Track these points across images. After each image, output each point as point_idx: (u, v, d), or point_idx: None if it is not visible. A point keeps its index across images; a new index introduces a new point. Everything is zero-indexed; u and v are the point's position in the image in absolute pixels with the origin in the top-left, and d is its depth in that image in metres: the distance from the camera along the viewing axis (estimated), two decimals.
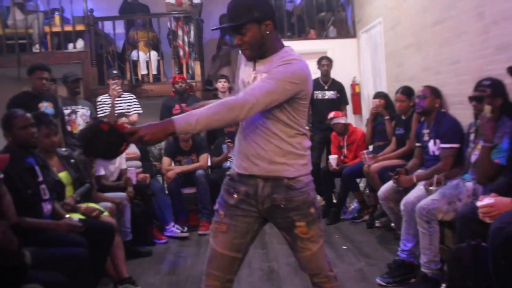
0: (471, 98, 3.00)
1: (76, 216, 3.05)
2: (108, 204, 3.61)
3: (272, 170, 1.86)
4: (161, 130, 1.65)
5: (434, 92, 3.60)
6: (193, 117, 1.67)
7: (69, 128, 4.78)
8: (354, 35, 6.58)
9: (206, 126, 1.74)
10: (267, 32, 1.85)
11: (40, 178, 2.85)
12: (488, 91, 2.83)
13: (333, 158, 4.99)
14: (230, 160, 4.98)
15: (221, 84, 5.72)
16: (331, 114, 5.15)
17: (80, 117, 4.91)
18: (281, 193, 1.85)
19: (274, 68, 1.80)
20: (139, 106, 5.42)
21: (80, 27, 6.37)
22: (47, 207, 2.86)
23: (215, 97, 5.65)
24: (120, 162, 4.44)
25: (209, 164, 5.31)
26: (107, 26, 6.79)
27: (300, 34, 6.63)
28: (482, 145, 2.76)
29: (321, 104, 5.52)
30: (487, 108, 2.71)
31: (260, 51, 1.87)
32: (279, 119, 1.84)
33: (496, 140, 2.71)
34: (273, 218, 1.93)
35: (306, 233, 1.88)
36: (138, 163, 4.84)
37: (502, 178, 2.59)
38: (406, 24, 4.79)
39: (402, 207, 3.26)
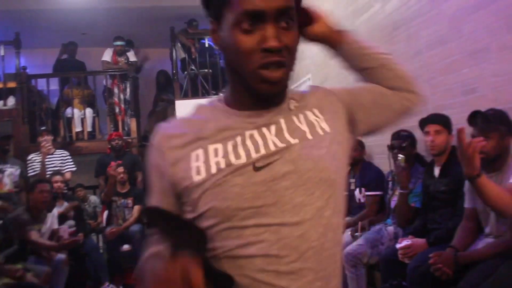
0: (390, 147, 3.29)
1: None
2: (44, 268, 3.49)
3: None
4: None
5: (360, 144, 3.88)
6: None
7: None
8: None
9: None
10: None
11: None
12: (406, 142, 3.13)
13: None
14: None
15: None
16: None
17: (7, 176, 4.74)
18: None
19: (323, 98, 0.97)
20: (72, 163, 5.34)
21: (11, 84, 6.28)
22: None
23: None
24: (52, 221, 4.31)
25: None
26: (41, 83, 6.73)
27: None
28: (399, 191, 3.02)
29: None
30: (402, 158, 2.98)
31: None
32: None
33: (411, 186, 2.98)
34: None
35: None
36: (72, 222, 4.72)
37: (418, 221, 2.84)
38: (333, 80, 5.15)
39: None
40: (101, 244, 5.00)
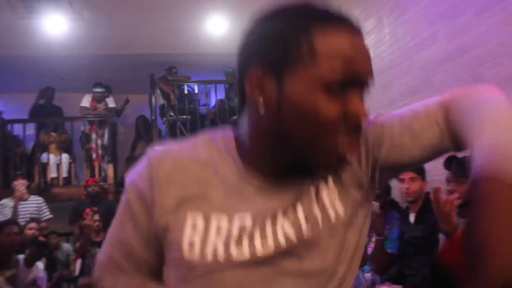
0: None
1: None
2: None
3: None
4: None
5: None
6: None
7: None
8: None
9: None
10: None
11: None
12: (380, 189, 3.18)
13: None
14: None
15: None
16: None
17: None
18: None
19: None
20: (48, 210, 5.22)
21: None
22: None
23: None
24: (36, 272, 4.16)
25: None
26: (17, 127, 6.66)
27: None
28: (375, 238, 3.04)
29: None
30: (376, 205, 3.02)
31: None
32: None
33: (387, 232, 3.00)
34: None
35: None
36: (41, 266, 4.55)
37: (394, 267, 2.85)
38: None
39: None
40: None
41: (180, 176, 0.73)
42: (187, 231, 0.70)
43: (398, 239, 2.95)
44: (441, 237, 2.46)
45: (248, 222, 0.70)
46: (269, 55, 0.65)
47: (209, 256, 0.69)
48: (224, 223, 0.70)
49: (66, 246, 5.29)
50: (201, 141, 0.78)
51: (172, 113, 6.79)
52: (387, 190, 3.25)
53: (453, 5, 2.89)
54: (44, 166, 6.31)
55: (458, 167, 2.35)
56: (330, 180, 0.74)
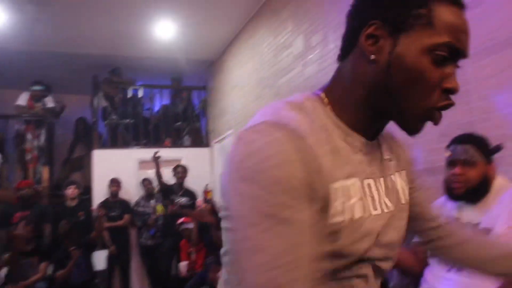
0: None
1: None
2: None
3: None
4: None
5: None
6: None
7: None
8: (207, 145, 7.01)
9: None
10: None
11: None
12: None
13: (183, 265, 5.00)
14: None
15: (70, 191, 5.48)
16: (181, 220, 5.24)
17: None
18: None
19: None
20: None
21: None
22: None
23: (63, 204, 5.38)
24: None
25: None
26: None
27: (156, 141, 6.84)
28: None
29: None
30: None
31: None
32: None
33: None
34: None
35: None
36: None
37: None
38: None
39: None
40: None
41: (322, 144, 0.71)
42: (353, 194, 0.73)
43: None
44: None
45: (372, 185, 0.78)
46: (391, 15, 0.73)
47: (373, 209, 0.76)
48: (372, 183, 0.78)
49: None
50: (298, 109, 0.74)
51: (114, 116, 6.63)
52: None
53: None
54: None
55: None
56: (404, 174, 0.90)
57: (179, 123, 7.08)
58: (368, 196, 0.76)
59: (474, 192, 1.83)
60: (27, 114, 6.26)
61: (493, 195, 1.81)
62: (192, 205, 5.80)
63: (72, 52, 6.18)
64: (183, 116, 7.10)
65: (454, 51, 0.72)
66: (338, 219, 0.70)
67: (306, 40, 4.15)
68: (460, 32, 0.72)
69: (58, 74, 6.73)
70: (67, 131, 7.24)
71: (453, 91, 0.73)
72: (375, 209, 0.77)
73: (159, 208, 5.77)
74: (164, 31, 5.71)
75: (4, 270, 4.43)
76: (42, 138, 6.19)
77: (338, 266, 0.73)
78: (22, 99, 6.39)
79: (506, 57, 2.18)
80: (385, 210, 0.80)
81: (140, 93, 6.89)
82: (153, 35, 5.79)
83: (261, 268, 0.60)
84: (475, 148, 1.82)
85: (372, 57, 0.73)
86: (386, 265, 0.82)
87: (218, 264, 4.60)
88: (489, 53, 2.26)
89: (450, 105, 0.74)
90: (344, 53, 0.80)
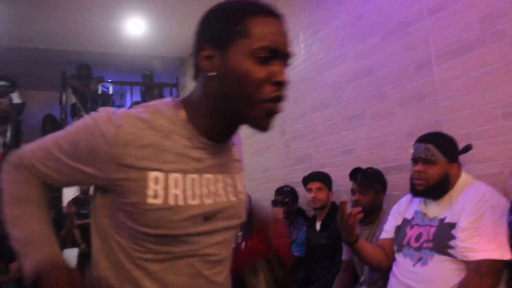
0: (274, 202, 3.44)
1: None
2: None
3: None
4: None
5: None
6: None
7: None
8: None
9: None
10: None
11: None
12: (287, 197, 3.31)
13: None
14: None
15: None
16: None
17: None
18: None
19: None
20: None
21: None
22: None
23: None
24: None
25: None
26: None
27: None
28: None
29: None
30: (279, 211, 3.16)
31: None
32: None
33: (294, 236, 3.13)
34: None
35: None
36: None
37: (301, 272, 2.97)
38: None
39: None
40: None
41: (138, 139, 0.88)
42: (151, 183, 0.88)
43: (305, 243, 3.09)
44: (343, 243, 2.62)
45: (197, 177, 0.93)
46: (217, 36, 0.89)
47: (171, 200, 0.90)
48: (179, 178, 0.91)
49: None
50: (152, 109, 0.93)
51: (84, 113, 6.51)
52: (294, 198, 3.40)
53: (364, 28, 3.10)
54: None
55: (362, 179, 2.52)
56: (238, 166, 1.06)
57: None
58: (190, 188, 0.92)
59: (434, 189, 1.91)
60: None
61: (457, 191, 1.88)
62: None
63: (40, 47, 6.03)
64: None
65: (274, 51, 0.88)
66: (153, 201, 0.88)
67: None
68: (276, 36, 0.89)
69: (25, 70, 6.55)
70: (34, 128, 7.06)
71: (281, 83, 0.88)
72: (193, 199, 0.92)
73: None
74: (135, 28, 5.64)
75: None
76: (8, 134, 6.02)
77: (169, 246, 0.91)
78: None
79: (472, 59, 2.27)
80: (208, 202, 0.94)
81: (111, 90, 6.79)
82: (123, 32, 5.71)
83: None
84: (436, 147, 1.90)
85: (211, 73, 0.89)
86: (215, 250, 0.97)
87: None
88: (455, 55, 2.35)
89: (279, 96, 0.89)
90: (196, 73, 0.96)
